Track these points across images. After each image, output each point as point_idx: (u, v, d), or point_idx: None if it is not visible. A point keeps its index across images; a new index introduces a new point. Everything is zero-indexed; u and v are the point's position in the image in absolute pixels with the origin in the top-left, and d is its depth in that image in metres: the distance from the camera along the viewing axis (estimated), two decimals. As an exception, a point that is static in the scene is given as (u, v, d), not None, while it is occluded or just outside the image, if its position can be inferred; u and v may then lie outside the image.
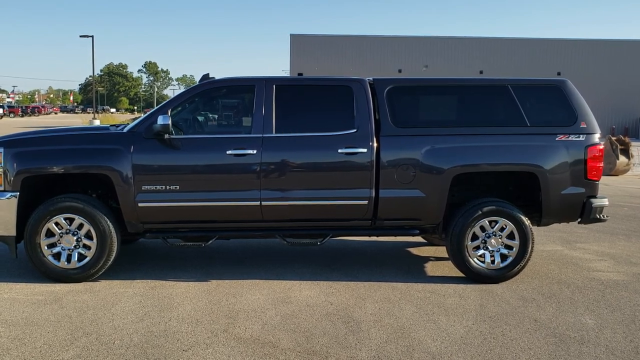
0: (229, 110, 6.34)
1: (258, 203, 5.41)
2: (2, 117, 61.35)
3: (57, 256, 5.39)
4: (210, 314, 4.65)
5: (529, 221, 5.57)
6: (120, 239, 5.52)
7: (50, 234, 5.36)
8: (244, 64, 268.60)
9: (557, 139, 5.55)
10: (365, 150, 5.43)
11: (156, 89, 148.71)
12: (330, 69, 37.92)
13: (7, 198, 5.27)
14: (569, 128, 5.59)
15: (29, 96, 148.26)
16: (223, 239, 5.75)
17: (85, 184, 5.75)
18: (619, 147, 16.20)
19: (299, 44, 42.36)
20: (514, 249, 5.55)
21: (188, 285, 5.40)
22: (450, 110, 6.11)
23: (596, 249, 7.18)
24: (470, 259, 5.55)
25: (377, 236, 6.54)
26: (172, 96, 6.44)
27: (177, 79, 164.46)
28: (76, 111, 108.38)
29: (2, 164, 5.29)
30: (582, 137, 5.57)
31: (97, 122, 37.10)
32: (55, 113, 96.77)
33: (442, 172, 5.45)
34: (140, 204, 5.34)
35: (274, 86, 5.60)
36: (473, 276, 5.57)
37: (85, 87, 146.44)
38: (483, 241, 5.57)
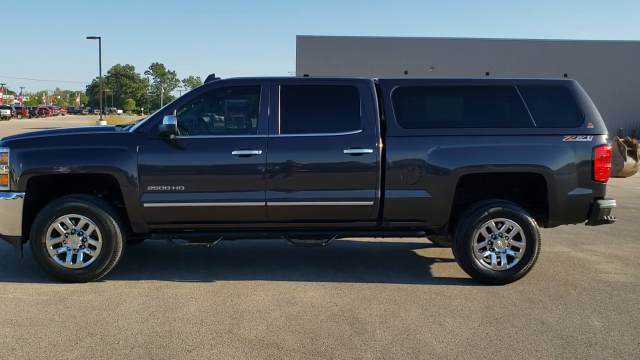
0: (235, 110, 6.34)
1: (263, 204, 5.40)
2: (10, 118, 61.68)
3: (63, 256, 5.40)
4: (215, 315, 4.64)
5: (535, 222, 5.53)
6: (125, 239, 5.53)
7: (55, 234, 5.37)
8: (250, 65, 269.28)
9: (564, 139, 5.51)
10: (370, 150, 5.41)
11: (163, 91, 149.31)
12: (336, 70, 37.92)
13: (13, 198, 5.28)
14: (576, 129, 5.55)
15: (36, 98, 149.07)
16: (228, 239, 5.75)
17: (91, 184, 5.76)
18: (627, 148, 16.12)
19: (305, 45, 42.37)
20: (521, 250, 5.51)
21: (193, 286, 5.40)
22: (456, 110, 6.07)
23: (603, 250, 7.13)
24: (477, 260, 5.51)
25: (383, 237, 6.54)
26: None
27: (183, 81, 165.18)
28: (83, 112, 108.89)
29: (8, 164, 5.31)
30: (589, 138, 5.53)
31: (103, 123, 37.25)
32: (63, 114, 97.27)
33: (448, 173, 5.43)
34: (145, 204, 5.34)
35: (279, 87, 5.59)
36: (479, 277, 5.54)
37: (93, 89, 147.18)
38: (489, 242, 5.54)
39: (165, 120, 5.26)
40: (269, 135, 5.43)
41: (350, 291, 5.31)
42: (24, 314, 4.59)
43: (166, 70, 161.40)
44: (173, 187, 5.36)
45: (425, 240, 7.24)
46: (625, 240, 7.77)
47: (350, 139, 5.44)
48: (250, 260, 6.40)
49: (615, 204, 5.66)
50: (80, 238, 5.39)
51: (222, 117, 6.43)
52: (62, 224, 5.35)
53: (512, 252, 5.53)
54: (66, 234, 5.37)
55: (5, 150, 5.34)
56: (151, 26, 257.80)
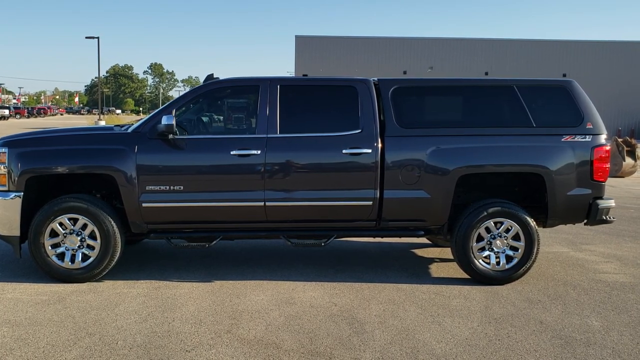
0: (233, 110, 6.32)
1: (262, 204, 5.39)
2: (8, 118, 61.61)
3: (61, 256, 5.39)
4: (213, 315, 4.63)
5: (534, 222, 5.53)
6: (124, 239, 5.52)
7: (54, 234, 5.36)
8: (249, 65, 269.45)
9: (563, 139, 5.51)
10: (369, 150, 5.41)
11: (162, 91, 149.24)
12: (335, 70, 37.95)
13: (11, 198, 5.27)
14: (575, 129, 5.55)
15: (35, 97, 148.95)
16: (227, 239, 5.74)
17: (90, 184, 5.75)
18: (625, 148, 16.11)
19: (304, 45, 42.40)
20: (520, 250, 5.51)
21: (192, 286, 5.39)
22: (455, 110, 6.07)
23: (602, 250, 7.13)
24: (476, 261, 5.51)
25: (382, 237, 6.53)
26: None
27: (182, 81, 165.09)
28: (82, 112, 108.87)
29: (6, 164, 5.29)
30: (588, 138, 5.53)
31: (102, 123, 37.17)
32: (61, 114, 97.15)
33: (447, 173, 5.42)
34: (144, 204, 5.33)
35: (278, 86, 5.58)
36: (478, 277, 5.54)
37: (91, 89, 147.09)
38: (488, 242, 5.54)
39: (164, 120, 5.26)
40: (268, 135, 5.42)
41: (349, 291, 5.31)
42: (22, 314, 4.59)
43: (165, 70, 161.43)
44: (172, 187, 5.35)
45: (424, 240, 7.23)
46: (624, 240, 7.77)
47: (349, 139, 5.44)
48: (249, 260, 6.40)
49: (614, 204, 5.66)
50: (79, 238, 5.38)
51: (221, 117, 6.41)
52: (61, 224, 5.34)
53: (511, 252, 5.53)
54: (65, 234, 5.36)
55: (3, 150, 5.33)
56: (150, 26, 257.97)
